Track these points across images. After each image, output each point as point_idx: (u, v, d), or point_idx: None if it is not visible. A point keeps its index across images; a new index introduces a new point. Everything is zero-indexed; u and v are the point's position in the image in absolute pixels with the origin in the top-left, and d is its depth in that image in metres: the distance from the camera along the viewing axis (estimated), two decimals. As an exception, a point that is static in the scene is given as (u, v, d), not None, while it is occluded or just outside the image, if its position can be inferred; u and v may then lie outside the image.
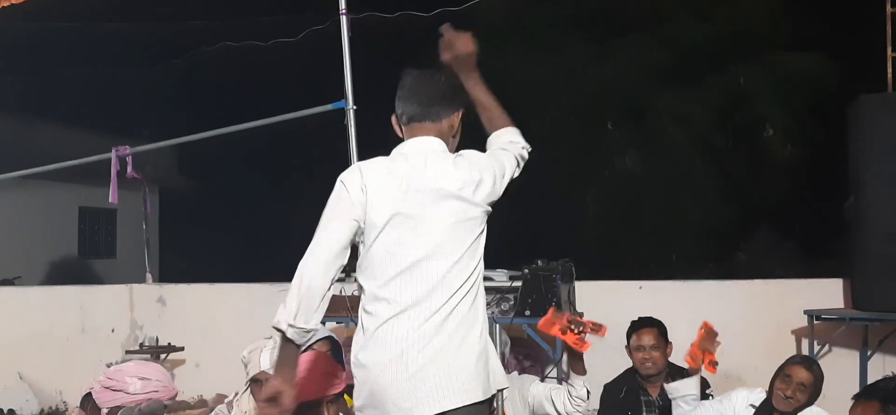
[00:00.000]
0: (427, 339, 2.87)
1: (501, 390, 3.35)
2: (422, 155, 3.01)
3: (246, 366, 4.07)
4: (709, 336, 4.54)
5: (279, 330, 2.84)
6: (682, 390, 4.56)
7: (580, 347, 4.15)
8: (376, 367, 2.89)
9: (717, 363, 4.61)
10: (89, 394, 3.56)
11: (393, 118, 3.14)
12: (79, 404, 3.66)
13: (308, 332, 2.86)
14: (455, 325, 2.90)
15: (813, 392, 4.43)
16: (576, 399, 4.38)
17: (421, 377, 2.85)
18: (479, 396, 2.90)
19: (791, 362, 4.52)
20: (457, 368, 2.88)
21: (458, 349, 2.89)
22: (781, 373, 4.47)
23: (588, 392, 4.38)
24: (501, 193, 3.09)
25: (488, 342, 3.03)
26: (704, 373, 4.90)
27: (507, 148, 3.21)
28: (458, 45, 3.28)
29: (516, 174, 3.21)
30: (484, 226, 3.03)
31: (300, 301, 2.84)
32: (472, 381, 2.90)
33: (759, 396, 4.58)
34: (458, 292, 2.91)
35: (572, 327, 4.15)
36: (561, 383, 5.71)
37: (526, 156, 3.25)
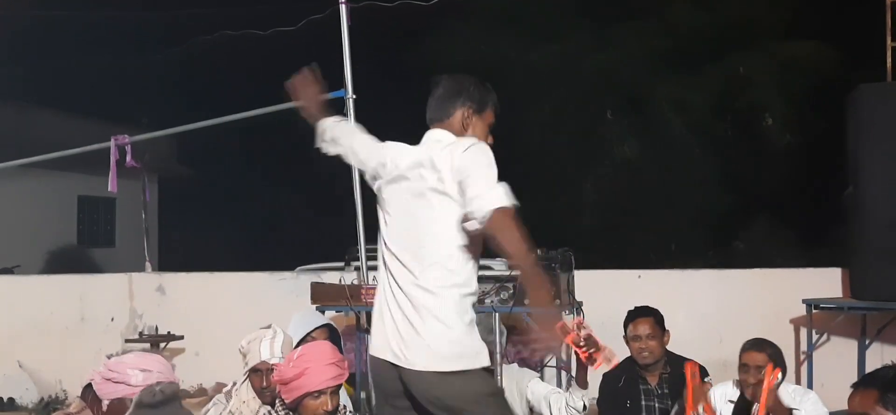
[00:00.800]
0: (389, 304, 3.31)
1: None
2: (425, 142, 3.38)
3: (245, 356, 4.06)
4: (698, 389, 4.43)
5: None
6: None
7: (586, 362, 4.10)
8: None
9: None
10: (90, 385, 3.55)
11: None
12: (79, 395, 3.66)
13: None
14: (410, 296, 3.24)
15: (775, 368, 4.42)
16: (571, 410, 4.42)
17: (386, 333, 3.30)
18: (419, 365, 3.19)
19: (743, 350, 4.48)
20: (405, 334, 3.23)
21: (407, 319, 3.23)
22: (740, 365, 4.47)
23: (585, 406, 4.41)
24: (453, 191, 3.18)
25: (456, 323, 3.22)
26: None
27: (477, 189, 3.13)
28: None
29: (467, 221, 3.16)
30: (442, 208, 3.21)
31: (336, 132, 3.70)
32: (417, 349, 3.20)
33: (733, 390, 4.58)
34: (415, 266, 3.24)
35: (584, 344, 4.03)
36: (561, 384, 5.75)
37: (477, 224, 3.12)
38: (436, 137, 3.36)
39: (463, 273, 3.24)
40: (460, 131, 3.36)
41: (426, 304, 3.21)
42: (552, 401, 4.57)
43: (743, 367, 4.44)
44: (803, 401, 4.45)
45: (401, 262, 3.30)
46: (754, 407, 4.27)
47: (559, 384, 6.00)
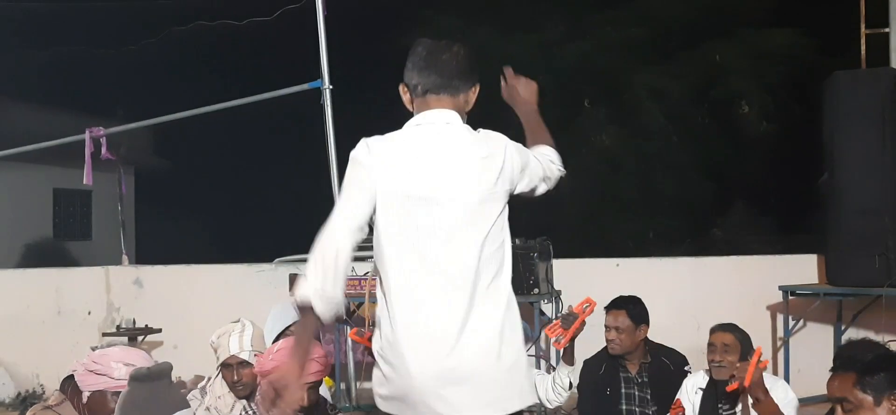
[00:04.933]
0: (456, 335, 2.66)
1: None
2: (440, 126, 2.84)
3: (216, 351, 4.02)
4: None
5: (306, 306, 2.60)
6: None
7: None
8: (408, 365, 2.67)
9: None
10: (70, 377, 3.53)
11: (401, 88, 2.93)
12: (59, 388, 3.64)
13: (335, 303, 2.63)
14: (486, 317, 2.70)
15: (742, 349, 4.47)
16: (558, 387, 4.46)
17: (456, 379, 2.67)
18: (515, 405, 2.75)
19: (711, 332, 4.58)
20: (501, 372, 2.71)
21: (498, 351, 2.69)
22: (708, 344, 4.55)
23: (571, 383, 4.46)
24: (516, 187, 2.88)
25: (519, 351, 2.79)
26: None
27: (539, 158, 3.01)
28: (522, 91, 3.40)
29: (539, 189, 3.00)
30: (504, 204, 2.82)
31: (325, 270, 2.61)
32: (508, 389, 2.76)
33: (704, 378, 4.63)
34: (483, 281, 2.71)
35: (563, 325, 4.39)
36: (540, 366, 5.78)
37: (555, 174, 3.05)
38: (452, 119, 2.88)
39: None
40: (462, 109, 2.93)
41: (502, 331, 2.79)
42: (537, 383, 4.59)
43: (710, 346, 4.52)
44: (774, 387, 4.50)
45: (453, 280, 2.74)
46: (743, 401, 4.34)
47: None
